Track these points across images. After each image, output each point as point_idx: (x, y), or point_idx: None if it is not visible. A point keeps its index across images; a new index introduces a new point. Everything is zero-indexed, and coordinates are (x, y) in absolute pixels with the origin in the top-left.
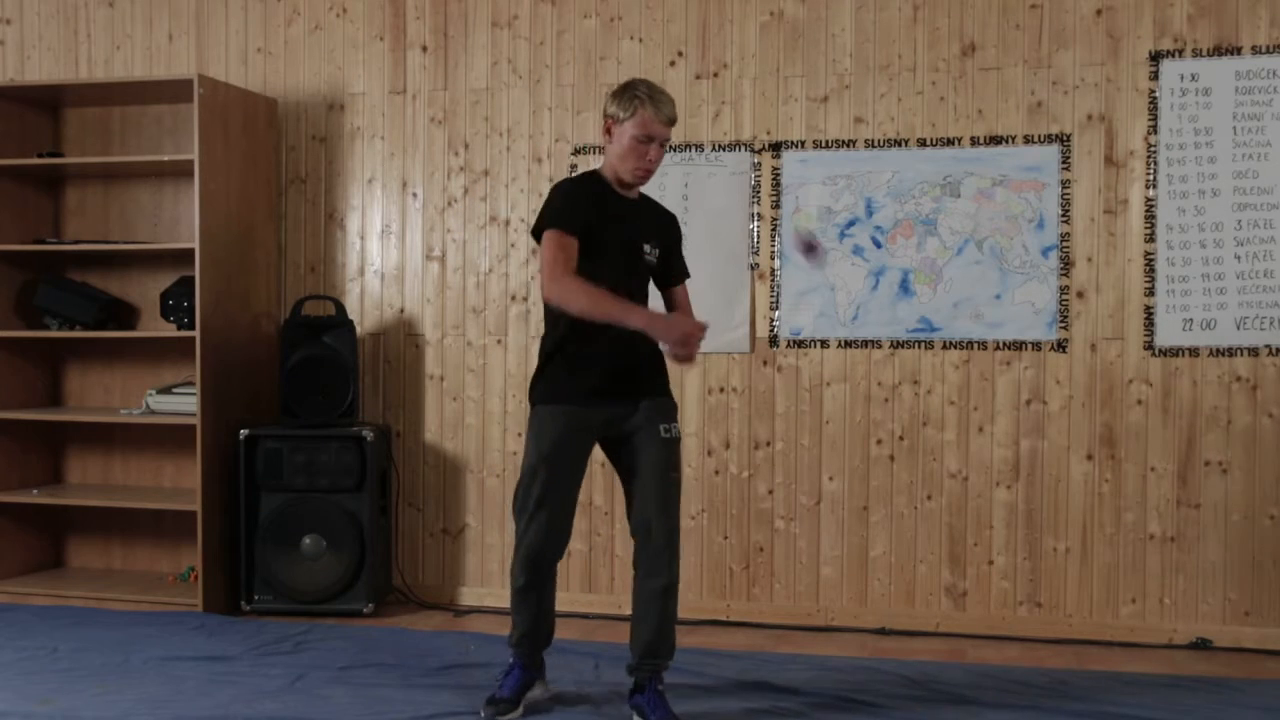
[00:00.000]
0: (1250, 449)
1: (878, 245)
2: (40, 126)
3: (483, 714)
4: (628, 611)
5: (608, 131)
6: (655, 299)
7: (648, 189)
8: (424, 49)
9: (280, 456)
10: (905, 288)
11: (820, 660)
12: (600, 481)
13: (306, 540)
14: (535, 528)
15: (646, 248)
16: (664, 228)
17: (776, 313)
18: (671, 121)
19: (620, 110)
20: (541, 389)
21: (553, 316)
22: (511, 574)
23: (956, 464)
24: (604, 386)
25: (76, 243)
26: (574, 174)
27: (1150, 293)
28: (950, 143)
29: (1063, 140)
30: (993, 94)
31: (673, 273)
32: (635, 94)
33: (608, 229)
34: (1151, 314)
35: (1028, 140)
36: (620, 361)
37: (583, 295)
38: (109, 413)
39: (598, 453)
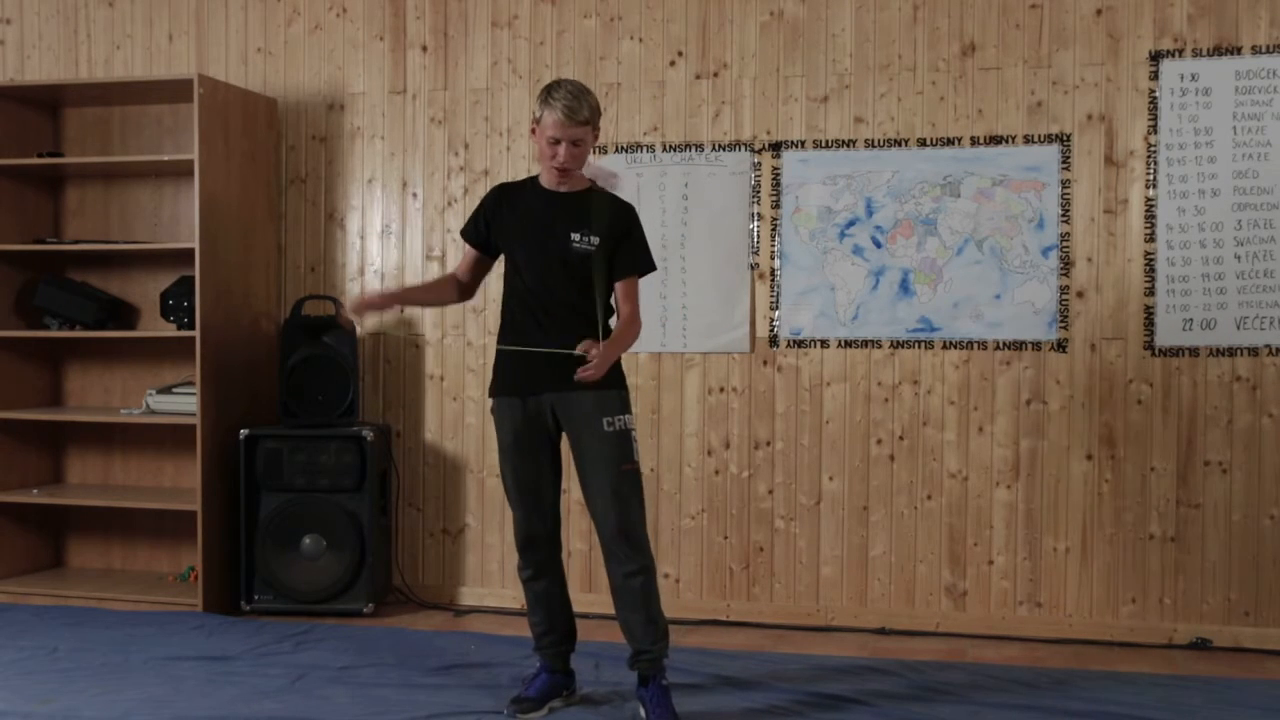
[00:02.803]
0: (1250, 449)
1: (878, 245)
2: (40, 126)
3: (505, 711)
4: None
5: (532, 131)
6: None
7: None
8: (424, 49)
9: (280, 456)
10: (905, 288)
11: (820, 660)
12: None
13: (306, 540)
14: (517, 516)
15: (575, 236)
16: (604, 216)
17: (776, 313)
18: (584, 123)
19: (536, 111)
20: (491, 384)
21: (501, 304)
22: (518, 570)
23: (956, 464)
24: (529, 376)
25: (76, 243)
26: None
27: (1150, 293)
28: (950, 143)
29: (1063, 140)
30: (993, 94)
31: (613, 266)
32: (550, 96)
33: (522, 224)
34: (1151, 314)
35: (1028, 140)
36: (535, 353)
37: None
38: (109, 413)
39: None
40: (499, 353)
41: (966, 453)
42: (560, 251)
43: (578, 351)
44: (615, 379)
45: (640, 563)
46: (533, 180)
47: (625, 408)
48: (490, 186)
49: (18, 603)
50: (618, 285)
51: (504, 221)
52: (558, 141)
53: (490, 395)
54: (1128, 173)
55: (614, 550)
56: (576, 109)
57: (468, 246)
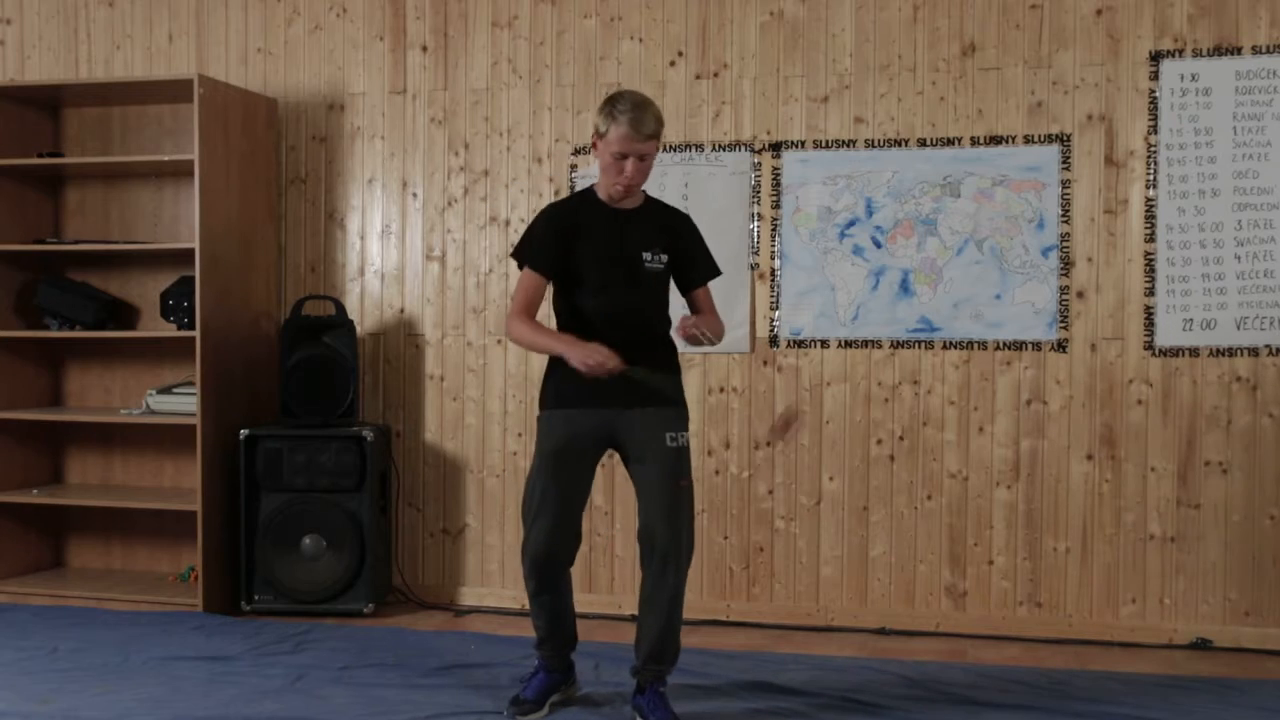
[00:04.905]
0: (1250, 449)
1: (878, 245)
2: (40, 126)
3: (505, 712)
4: (628, 611)
5: (594, 145)
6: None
7: (650, 185)
8: (424, 49)
9: (280, 456)
10: (905, 288)
11: (820, 660)
12: (600, 482)
13: (306, 540)
14: (538, 532)
15: (647, 255)
16: (668, 230)
17: (776, 313)
18: (651, 137)
19: (600, 125)
20: (544, 394)
21: (558, 323)
22: (524, 578)
23: (956, 464)
24: (596, 391)
25: (76, 243)
26: (565, 196)
27: (1150, 293)
28: (950, 143)
29: (1063, 140)
30: (993, 94)
31: (689, 276)
32: (614, 109)
33: (594, 247)
34: (1151, 314)
35: (1028, 140)
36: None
37: (523, 337)
38: (109, 413)
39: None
40: (553, 364)
41: (966, 453)
42: (633, 271)
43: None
44: (679, 394)
45: (677, 585)
46: (585, 196)
47: (685, 424)
48: (492, 188)
49: (18, 603)
50: (696, 294)
51: (573, 245)
52: (624, 156)
53: (541, 408)
54: (1128, 173)
55: (656, 570)
56: (643, 121)
57: (538, 277)
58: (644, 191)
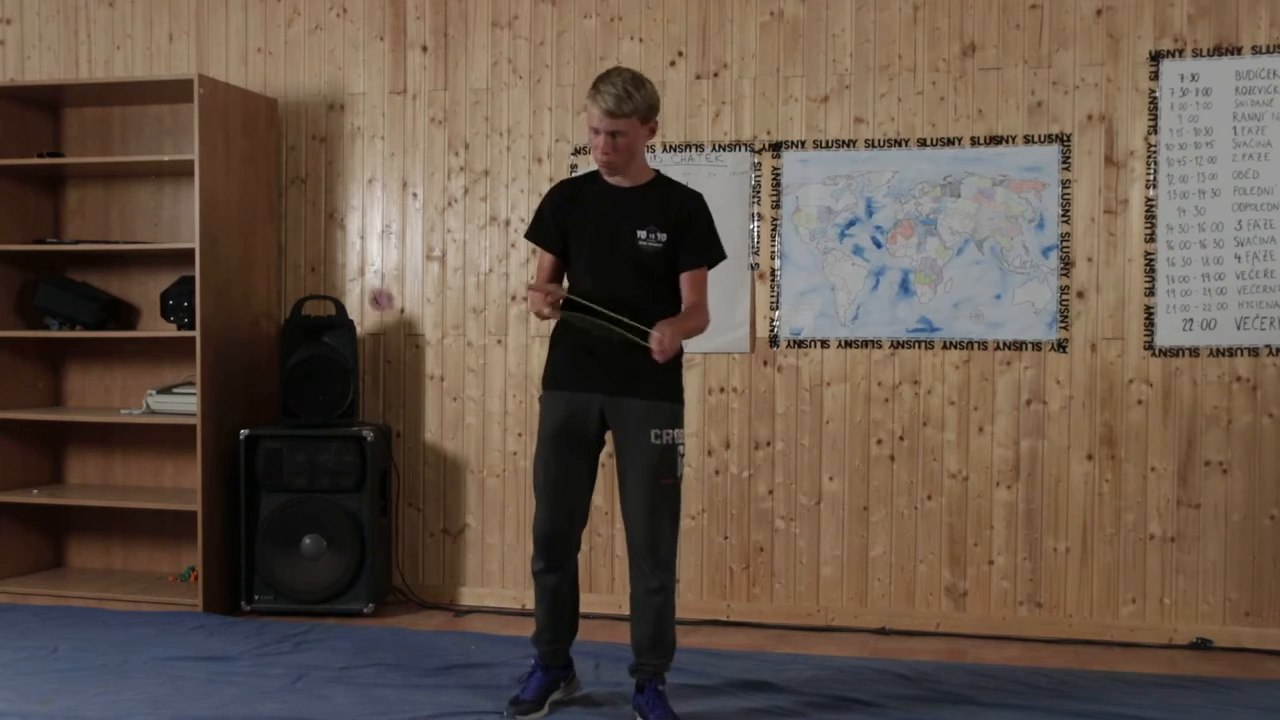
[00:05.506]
0: (1250, 449)
1: (878, 245)
2: (40, 126)
3: (505, 713)
4: (628, 611)
5: None
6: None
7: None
8: (424, 49)
9: (280, 456)
10: (905, 288)
11: (820, 660)
12: (600, 481)
13: (306, 540)
14: (541, 509)
15: (641, 234)
16: (670, 208)
17: (777, 313)
18: (624, 116)
19: (586, 100)
20: (543, 375)
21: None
22: (532, 559)
23: (957, 464)
24: (587, 373)
25: (76, 243)
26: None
27: (1150, 293)
28: (950, 143)
29: (1063, 140)
30: (993, 94)
31: (679, 260)
32: (596, 86)
33: (588, 222)
34: (1151, 314)
35: (1028, 140)
36: (593, 352)
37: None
38: (109, 413)
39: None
40: (551, 345)
41: (967, 453)
42: (628, 251)
43: (649, 341)
44: (672, 391)
45: (661, 580)
46: (593, 175)
47: (676, 422)
48: (492, 188)
49: (18, 603)
50: (682, 277)
51: (570, 221)
52: (598, 132)
53: (542, 387)
54: (1128, 173)
55: (638, 563)
56: (614, 99)
57: (543, 254)
58: (655, 170)
